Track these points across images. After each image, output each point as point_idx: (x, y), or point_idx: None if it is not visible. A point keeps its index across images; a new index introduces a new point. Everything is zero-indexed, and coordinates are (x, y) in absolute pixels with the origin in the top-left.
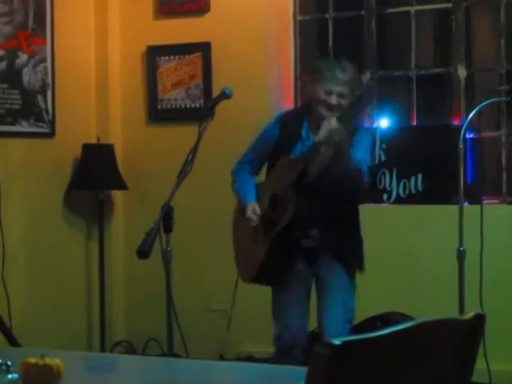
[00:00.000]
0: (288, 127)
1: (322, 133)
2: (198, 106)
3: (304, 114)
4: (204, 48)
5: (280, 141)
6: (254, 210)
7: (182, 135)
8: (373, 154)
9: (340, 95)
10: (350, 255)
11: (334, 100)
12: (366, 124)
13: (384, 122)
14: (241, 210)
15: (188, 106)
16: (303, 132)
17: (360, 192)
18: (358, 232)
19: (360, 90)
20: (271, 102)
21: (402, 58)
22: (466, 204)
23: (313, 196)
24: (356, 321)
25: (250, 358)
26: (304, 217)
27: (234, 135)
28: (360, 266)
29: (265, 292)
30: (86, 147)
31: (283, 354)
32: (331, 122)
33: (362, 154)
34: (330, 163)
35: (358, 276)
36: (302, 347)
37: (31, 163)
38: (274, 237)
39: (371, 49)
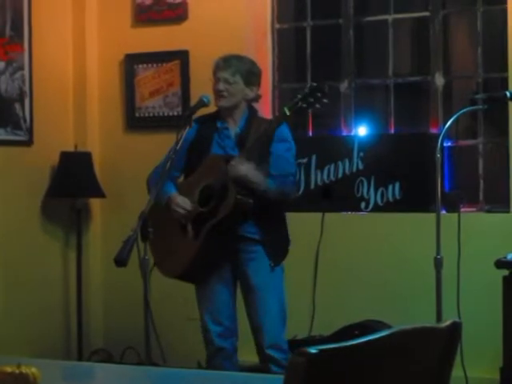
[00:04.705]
0: (204, 123)
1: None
2: (175, 113)
3: (217, 110)
4: (182, 56)
5: (198, 137)
6: (183, 201)
7: (160, 143)
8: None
9: (225, 81)
10: (277, 245)
11: (220, 86)
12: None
13: (362, 130)
14: (163, 207)
15: (166, 113)
16: (218, 124)
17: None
18: (284, 225)
19: (255, 84)
20: None
21: (379, 66)
22: (444, 212)
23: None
24: (334, 329)
25: None
26: (243, 208)
27: None
28: (283, 256)
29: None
30: (64, 155)
31: (209, 358)
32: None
33: (283, 167)
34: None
35: (334, 283)
36: (233, 350)
37: (8, 171)
38: (210, 229)
39: (349, 57)
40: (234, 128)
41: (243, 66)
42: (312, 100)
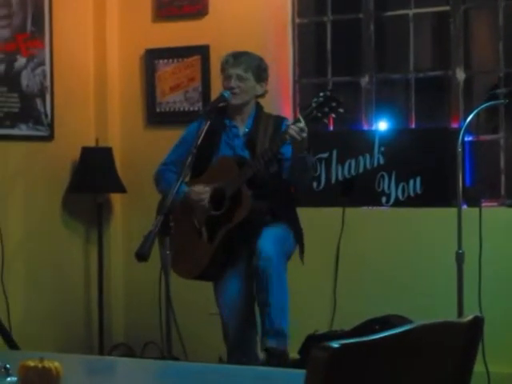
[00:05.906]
0: (212, 120)
1: (293, 129)
2: (196, 109)
3: (225, 107)
4: (202, 51)
5: (206, 132)
6: (199, 192)
7: None
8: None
9: (238, 78)
10: (297, 226)
11: (232, 83)
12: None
13: (383, 125)
14: (180, 204)
15: (186, 109)
16: (226, 122)
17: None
18: (298, 220)
19: (263, 79)
20: (270, 106)
21: (400, 61)
22: (465, 207)
23: (265, 191)
24: (355, 323)
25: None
26: (259, 210)
27: None
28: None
29: None
30: (85, 150)
31: (229, 352)
32: (301, 122)
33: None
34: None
35: (355, 278)
36: (250, 345)
37: (30, 166)
38: (225, 233)
39: (369, 52)
40: (241, 126)
41: (253, 62)
42: (327, 110)
